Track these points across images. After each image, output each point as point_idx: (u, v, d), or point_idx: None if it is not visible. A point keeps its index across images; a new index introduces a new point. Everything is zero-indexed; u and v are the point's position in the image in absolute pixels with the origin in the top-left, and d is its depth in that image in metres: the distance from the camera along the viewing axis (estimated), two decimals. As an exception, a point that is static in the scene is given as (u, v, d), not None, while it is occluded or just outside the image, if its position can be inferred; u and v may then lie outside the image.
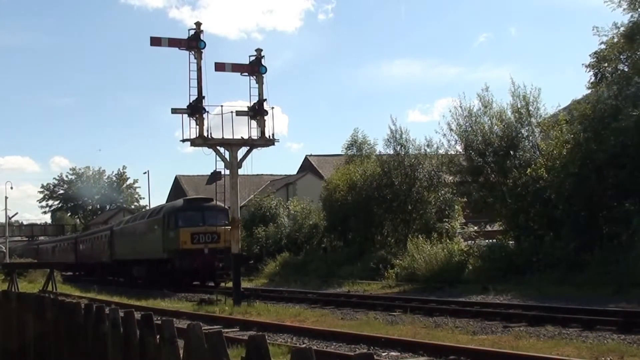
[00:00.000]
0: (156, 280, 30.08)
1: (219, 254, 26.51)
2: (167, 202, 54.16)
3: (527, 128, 26.26)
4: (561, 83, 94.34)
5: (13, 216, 69.16)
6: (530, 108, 26.04)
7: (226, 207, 28.53)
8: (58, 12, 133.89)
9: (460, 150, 28.29)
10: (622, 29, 23.87)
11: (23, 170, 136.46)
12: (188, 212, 30.00)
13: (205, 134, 21.47)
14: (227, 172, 22.50)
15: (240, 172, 22.48)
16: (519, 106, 26.21)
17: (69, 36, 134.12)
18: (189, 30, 21.65)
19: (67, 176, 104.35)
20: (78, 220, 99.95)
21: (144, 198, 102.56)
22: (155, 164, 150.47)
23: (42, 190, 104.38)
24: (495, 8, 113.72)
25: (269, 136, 22.32)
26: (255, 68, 22.09)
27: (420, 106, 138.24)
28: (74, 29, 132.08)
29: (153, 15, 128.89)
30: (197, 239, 28.54)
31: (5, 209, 61.22)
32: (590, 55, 25.18)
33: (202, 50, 21.36)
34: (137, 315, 4.56)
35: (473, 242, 27.60)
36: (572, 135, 23.46)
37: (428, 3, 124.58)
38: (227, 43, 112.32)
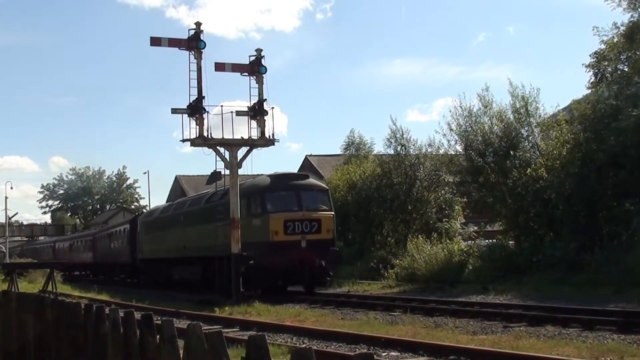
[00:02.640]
0: (224, 284, 22.52)
1: (319, 247, 21.65)
2: (167, 202, 53.68)
3: (526, 128, 26.27)
4: (561, 83, 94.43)
5: (13, 216, 69.23)
6: (530, 108, 26.05)
7: (326, 186, 25.16)
8: (55, 11, 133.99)
9: (460, 150, 28.32)
10: (622, 28, 23.89)
11: (22, 171, 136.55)
12: (279, 192, 22.67)
13: (205, 134, 21.48)
14: (227, 172, 22.51)
15: (240, 172, 22.48)
16: (518, 106, 26.23)
17: (66, 35, 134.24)
18: (188, 30, 21.69)
19: (67, 176, 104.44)
20: (78, 220, 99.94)
21: (144, 198, 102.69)
22: (155, 164, 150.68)
23: (42, 190, 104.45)
24: (492, 7, 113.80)
25: (269, 136, 22.33)
26: (255, 68, 22.10)
27: (419, 106, 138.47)
28: (71, 28, 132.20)
29: (150, 15, 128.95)
30: (292, 229, 21.68)
31: (6, 209, 61.26)
32: (590, 55, 25.22)
33: (202, 50, 21.37)
34: (137, 315, 4.56)
35: (473, 242, 27.61)
36: (572, 135, 23.47)
37: (427, 2, 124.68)
38: (225, 43, 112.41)
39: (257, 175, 27.21)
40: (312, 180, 24.02)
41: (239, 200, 21.38)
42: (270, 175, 24.16)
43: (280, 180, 23.18)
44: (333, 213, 23.01)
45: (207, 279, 24.61)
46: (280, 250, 21.11)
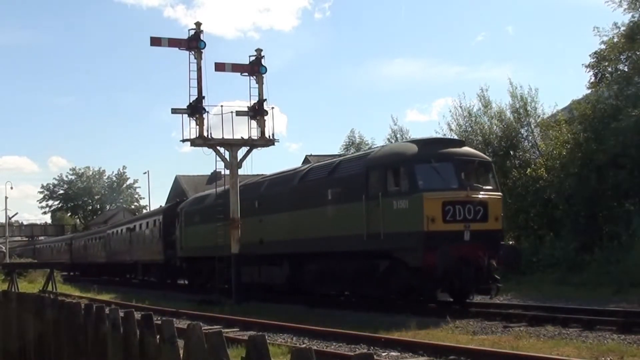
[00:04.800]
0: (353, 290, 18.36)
1: (486, 241, 15.65)
2: (166, 203, 53.23)
3: (526, 128, 26.31)
4: (561, 82, 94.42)
5: (13, 216, 69.24)
6: (529, 108, 26.09)
7: (488, 157, 18.81)
8: (54, 10, 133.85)
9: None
10: (622, 28, 23.90)
11: (21, 171, 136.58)
12: (434, 163, 16.14)
13: (205, 134, 21.49)
14: (227, 172, 22.52)
15: (240, 172, 22.50)
16: (517, 106, 26.27)
17: (65, 35, 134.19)
18: (188, 30, 21.72)
19: (67, 176, 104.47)
20: (78, 220, 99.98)
21: (144, 198, 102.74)
22: (155, 164, 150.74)
23: (42, 190, 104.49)
24: (491, 7, 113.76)
25: (269, 136, 22.35)
26: (255, 68, 22.12)
27: (418, 106, 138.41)
28: (69, 27, 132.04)
29: (148, 14, 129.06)
30: (453, 214, 15.52)
31: (6, 209, 61.28)
32: (590, 55, 25.24)
33: (202, 50, 21.38)
34: (137, 315, 4.56)
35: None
36: (572, 135, 23.50)
37: (426, 1, 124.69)
38: (223, 42, 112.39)
39: (257, 175, 26.98)
40: (470, 149, 17.80)
41: (368, 172, 16.71)
42: (414, 141, 17.88)
43: (432, 147, 16.68)
44: (501, 194, 17.19)
45: (295, 283, 20.38)
46: (437, 245, 15.06)
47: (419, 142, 17.26)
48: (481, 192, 16.06)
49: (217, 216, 23.22)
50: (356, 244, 17.00)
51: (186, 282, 30.17)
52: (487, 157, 18.36)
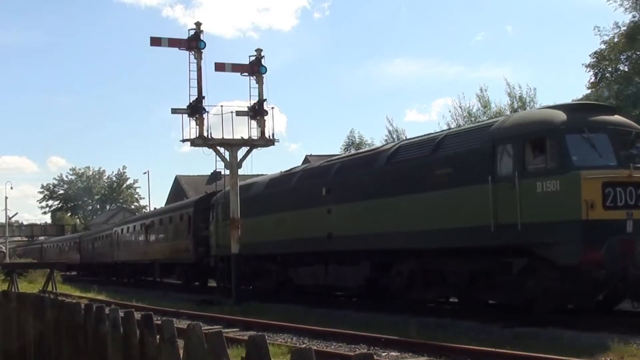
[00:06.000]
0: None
1: None
2: (166, 204, 52.77)
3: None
4: (561, 82, 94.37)
5: (13, 216, 69.30)
6: (527, 108, 26.11)
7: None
8: (53, 10, 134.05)
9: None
10: (623, 28, 23.92)
11: (21, 171, 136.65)
12: (587, 134, 12.62)
13: (205, 134, 21.49)
14: (227, 172, 22.52)
15: (240, 172, 22.50)
16: (515, 106, 26.31)
17: (64, 35, 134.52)
18: (188, 30, 21.72)
19: (67, 176, 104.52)
20: (78, 220, 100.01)
21: (144, 198, 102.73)
22: (155, 164, 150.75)
23: (42, 190, 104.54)
24: (490, 7, 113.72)
25: (269, 136, 22.36)
26: (255, 68, 22.12)
27: (417, 105, 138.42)
28: (68, 27, 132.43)
29: (146, 14, 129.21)
30: (613, 199, 12.23)
31: (6, 209, 61.30)
32: (590, 55, 25.31)
33: (202, 50, 21.39)
34: (137, 315, 4.56)
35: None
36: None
37: (425, 1, 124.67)
38: (222, 42, 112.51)
39: (257, 175, 26.77)
40: (622, 117, 14.02)
41: (495, 147, 13.34)
42: (558, 107, 13.81)
43: (582, 114, 13.19)
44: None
45: (378, 286, 17.16)
46: (598, 238, 11.94)
47: (565, 108, 13.52)
48: None
49: (268, 207, 20.72)
50: (477, 238, 13.50)
51: (219, 283, 24.96)
52: None
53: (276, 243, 20.14)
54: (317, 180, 19.06)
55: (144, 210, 76.33)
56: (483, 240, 13.40)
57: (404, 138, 31.43)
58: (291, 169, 22.18)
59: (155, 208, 50.54)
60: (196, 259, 26.41)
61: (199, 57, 21.36)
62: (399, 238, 15.53)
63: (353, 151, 38.14)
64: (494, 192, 13.09)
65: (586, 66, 25.25)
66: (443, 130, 16.34)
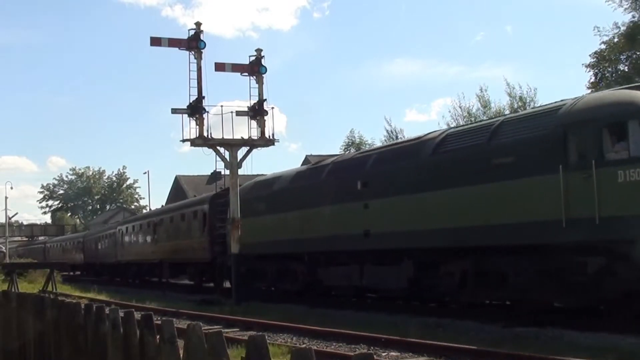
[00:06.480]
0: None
1: None
2: (166, 203, 52.64)
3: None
4: (562, 82, 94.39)
5: (13, 216, 69.32)
6: (527, 108, 26.13)
7: None
8: (53, 10, 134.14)
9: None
10: (622, 28, 23.94)
11: (21, 171, 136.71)
12: None
13: (205, 134, 21.50)
14: (227, 172, 22.52)
15: (240, 172, 22.50)
16: (515, 106, 26.33)
17: (63, 34, 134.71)
18: (188, 30, 21.73)
19: (67, 176, 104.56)
20: (78, 220, 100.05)
21: (144, 198, 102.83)
22: (155, 164, 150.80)
23: (42, 190, 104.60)
24: (489, 6, 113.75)
25: (269, 136, 22.37)
26: (255, 68, 22.14)
27: (417, 105, 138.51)
28: (67, 27, 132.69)
29: (146, 14, 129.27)
30: None
31: (6, 209, 61.32)
32: (590, 55, 25.32)
33: (202, 50, 21.40)
34: (137, 315, 4.56)
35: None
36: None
37: (425, 1, 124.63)
38: (222, 42, 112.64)
39: (257, 175, 26.65)
40: None
41: (566, 133, 12.13)
42: (635, 87, 12.63)
43: None
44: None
45: (422, 287, 15.75)
46: None
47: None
48: None
49: (294, 203, 19.36)
50: (544, 235, 12.21)
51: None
52: None
53: (303, 241, 18.72)
54: (351, 173, 17.57)
55: (144, 210, 76.35)
56: (552, 237, 12.06)
57: (402, 138, 31.45)
58: (318, 161, 21.12)
59: (161, 206, 49.51)
60: (212, 258, 25.14)
61: (199, 57, 21.37)
62: (449, 235, 14.10)
63: (353, 151, 37.63)
64: (565, 182, 11.82)
65: (586, 66, 25.31)
66: (497, 117, 14.50)
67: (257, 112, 22.20)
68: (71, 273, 51.59)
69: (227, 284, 24.85)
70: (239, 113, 22.29)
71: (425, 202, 14.79)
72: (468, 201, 13.73)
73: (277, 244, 20.17)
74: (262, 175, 26.04)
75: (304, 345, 8.84)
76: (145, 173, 72.51)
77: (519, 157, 12.72)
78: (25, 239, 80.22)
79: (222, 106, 22.33)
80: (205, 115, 21.48)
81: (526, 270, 12.87)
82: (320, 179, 18.87)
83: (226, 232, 23.27)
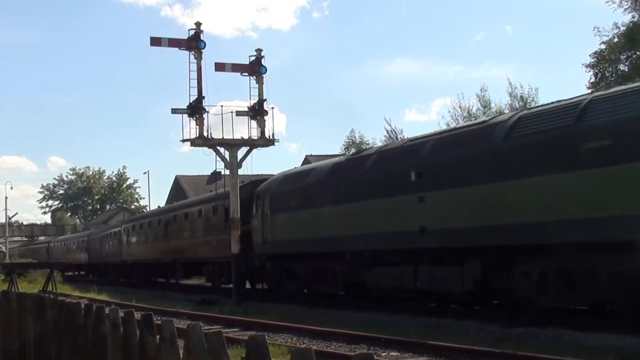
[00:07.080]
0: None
1: None
2: (166, 203, 52.76)
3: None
4: (562, 82, 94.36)
5: (13, 216, 69.37)
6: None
7: None
8: (52, 9, 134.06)
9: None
10: (622, 28, 23.95)
11: (21, 171, 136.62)
12: None
13: (205, 134, 21.51)
14: (227, 172, 22.53)
15: (240, 172, 22.51)
16: (516, 106, 26.32)
17: (63, 34, 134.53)
18: (188, 30, 21.75)
19: (67, 176, 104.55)
20: (78, 220, 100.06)
21: (144, 198, 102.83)
22: (155, 164, 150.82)
23: (42, 190, 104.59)
24: (489, 6, 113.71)
25: (269, 136, 22.38)
26: (255, 68, 22.15)
27: (417, 105, 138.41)
28: (67, 26, 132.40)
29: (145, 13, 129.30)
30: None
31: (6, 209, 61.34)
32: (590, 55, 25.33)
33: (202, 50, 21.41)
34: (137, 315, 4.56)
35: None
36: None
37: (425, 1, 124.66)
38: (221, 42, 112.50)
39: (257, 175, 26.61)
40: None
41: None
42: None
43: None
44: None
45: (492, 290, 14.04)
46: None
47: None
48: None
49: (332, 197, 17.75)
50: None
51: (271, 285, 22.48)
52: None
53: (343, 238, 17.03)
54: (402, 162, 15.56)
55: (144, 210, 76.32)
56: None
57: (402, 138, 31.44)
58: (360, 150, 18.96)
59: (158, 207, 49.12)
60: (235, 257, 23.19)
61: (199, 57, 21.38)
62: (527, 230, 12.25)
63: (353, 151, 36.41)
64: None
65: (586, 66, 25.33)
66: (584, 95, 12.57)
67: (257, 112, 22.21)
68: (75, 273, 51.55)
69: (247, 285, 23.71)
70: (239, 113, 22.31)
71: (497, 194, 12.83)
72: (551, 191, 11.79)
73: (312, 242, 18.37)
74: (263, 175, 26.04)
75: (304, 345, 8.84)
76: (145, 173, 72.66)
77: (618, 141, 10.78)
78: (25, 239, 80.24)
79: (222, 106, 22.39)
80: (205, 115, 21.52)
81: (621, 270, 11.01)
82: (364, 170, 16.95)
83: (252, 228, 21.77)
